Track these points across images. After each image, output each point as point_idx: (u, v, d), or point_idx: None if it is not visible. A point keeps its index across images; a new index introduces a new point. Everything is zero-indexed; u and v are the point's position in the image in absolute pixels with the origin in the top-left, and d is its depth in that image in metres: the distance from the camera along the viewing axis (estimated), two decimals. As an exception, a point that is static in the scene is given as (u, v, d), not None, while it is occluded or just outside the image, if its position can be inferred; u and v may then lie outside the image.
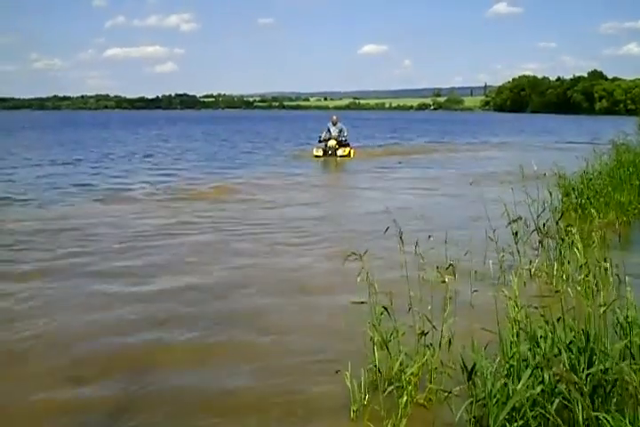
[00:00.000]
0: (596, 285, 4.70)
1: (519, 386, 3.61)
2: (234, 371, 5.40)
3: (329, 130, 28.10)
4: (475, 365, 3.90)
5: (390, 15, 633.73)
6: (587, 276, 5.45)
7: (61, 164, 25.58)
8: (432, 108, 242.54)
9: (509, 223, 5.55)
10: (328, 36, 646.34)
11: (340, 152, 27.40)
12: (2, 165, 24.48)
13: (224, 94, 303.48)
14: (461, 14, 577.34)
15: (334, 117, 28.50)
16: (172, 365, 5.53)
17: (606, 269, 7.06)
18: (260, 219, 12.57)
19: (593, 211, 10.02)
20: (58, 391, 4.94)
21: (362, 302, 4.84)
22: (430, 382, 4.58)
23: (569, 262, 7.02)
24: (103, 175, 21.28)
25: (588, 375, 3.69)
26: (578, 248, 6.88)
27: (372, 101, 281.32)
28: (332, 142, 27.67)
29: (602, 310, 4.11)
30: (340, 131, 28.08)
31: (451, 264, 5.81)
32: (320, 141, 28.29)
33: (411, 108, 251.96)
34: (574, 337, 4.05)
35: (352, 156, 27.93)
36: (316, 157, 27.32)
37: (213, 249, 9.93)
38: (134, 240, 10.45)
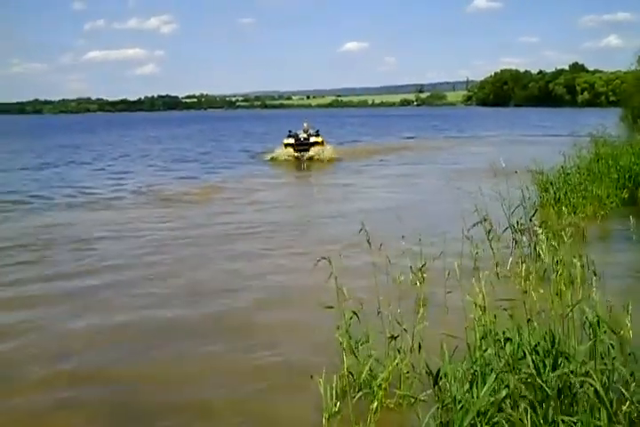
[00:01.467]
0: (571, 283, 4.68)
1: (483, 391, 3.57)
2: (204, 378, 5.36)
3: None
4: (439, 370, 3.86)
5: (371, 12, 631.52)
6: (560, 274, 5.43)
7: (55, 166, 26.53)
8: (415, 104, 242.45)
9: (474, 225, 5.50)
10: (309, 35, 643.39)
11: (312, 139, 27.02)
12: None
13: (206, 95, 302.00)
14: (442, 10, 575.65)
15: (305, 125, 28.24)
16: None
17: (582, 266, 7.08)
18: (237, 222, 12.52)
19: (566, 206, 10.11)
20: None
21: (331, 307, 4.79)
22: (400, 387, 4.53)
23: (542, 261, 6.98)
24: (95, 178, 21.34)
25: (554, 378, 3.65)
26: (553, 245, 6.87)
27: (356, 99, 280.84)
28: (302, 134, 27.43)
29: (568, 310, 4.07)
30: (308, 132, 27.72)
31: (423, 266, 5.80)
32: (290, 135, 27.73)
33: (394, 104, 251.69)
34: (543, 339, 4.00)
35: (324, 145, 27.46)
36: (287, 145, 26.95)
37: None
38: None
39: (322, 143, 27.28)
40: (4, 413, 4.85)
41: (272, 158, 26.90)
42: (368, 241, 4.82)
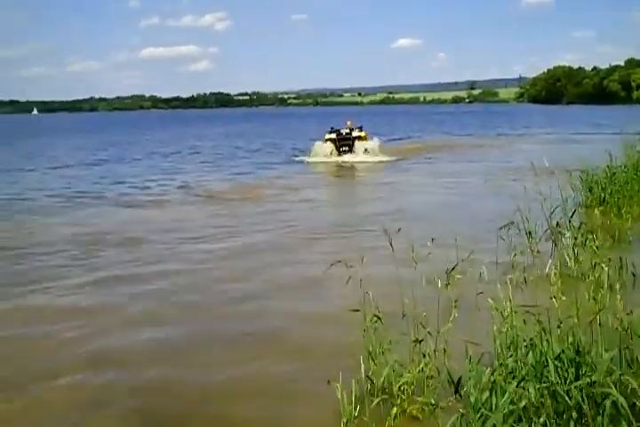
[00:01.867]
0: (609, 287, 4.55)
1: (503, 399, 3.47)
2: (223, 380, 5.32)
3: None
4: (460, 377, 3.76)
5: (424, 8, 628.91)
6: (597, 277, 5.28)
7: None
8: (467, 101, 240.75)
9: (505, 226, 5.34)
10: (362, 31, 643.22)
11: (355, 133, 26.15)
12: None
13: (258, 92, 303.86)
14: (496, 5, 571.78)
15: (348, 123, 26.86)
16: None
17: (620, 269, 6.91)
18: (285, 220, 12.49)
19: (611, 207, 9.88)
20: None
21: (356, 311, 4.72)
22: (424, 393, 4.42)
23: (579, 264, 6.82)
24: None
25: (576, 388, 3.53)
26: (591, 247, 6.70)
27: (407, 96, 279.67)
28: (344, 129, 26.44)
29: (594, 316, 3.94)
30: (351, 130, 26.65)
31: (453, 268, 5.68)
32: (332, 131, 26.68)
33: (445, 101, 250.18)
34: (568, 347, 3.87)
35: (367, 139, 26.61)
36: (328, 140, 26.13)
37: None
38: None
39: (364, 138, 26.46)
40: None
41: (309, 162, 25.74)
42: (391, 244, 4.72)
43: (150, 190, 17.95)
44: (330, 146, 26.01)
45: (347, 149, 25.94)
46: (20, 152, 35.29)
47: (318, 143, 26.52)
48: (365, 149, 25.73)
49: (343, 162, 25.19)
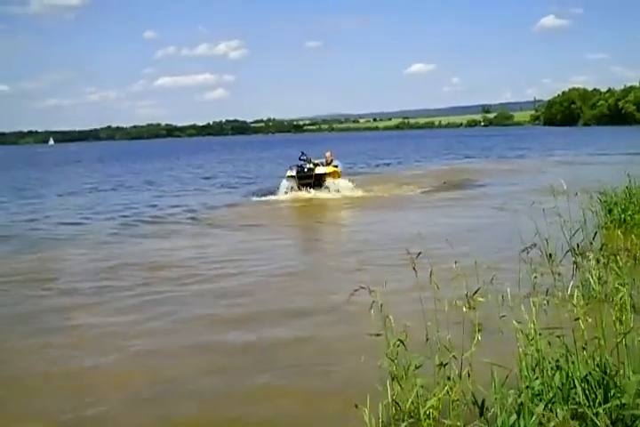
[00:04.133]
0: (632, 308, 4.51)
1: (531, 422, 3.44)
2: (248, 403, 5.32)
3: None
4: (484, 400, 3.73)
5: (437, 33, 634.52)
6: (620, 299, 5.24)
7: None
8: (482, 124, 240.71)
9: (526, 248, 5.31)
10: (376, 57, 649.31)
11: (321, 170, 21.82)
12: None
13: (274, 119, 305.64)
14: (509, 30, 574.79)
15: (328, 154, 22.77)
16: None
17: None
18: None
19: (632, 227, 9.82)
20: None
21: (378, 335, 4.71)
22: (449, 417, 4.39)
23: (602, 285, 6.76)
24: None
25: (604, 410, 3.49)
26: (613, 269, 6.65)
27: (422, 120, 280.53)
28: (316, 162, 22.29)
29: (621, 337, 3.91)
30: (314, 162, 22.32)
31: (476, 291, 5.67)
32: (302, 159, 22.32)
33: (460, 125, 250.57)
34: (595, 369, 3.84)
35: (337, 176, 22.34)
36: (289, 177, 22.08)
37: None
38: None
39: (333, 174, 22.15)
40: None
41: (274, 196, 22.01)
42: (414, 268, 4.71)
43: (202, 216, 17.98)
44: (290, 184, 22.17)
45: (308, 188, 21.79)
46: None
47: (282, 185, 22.32)
48: (338, 191, 21.81)
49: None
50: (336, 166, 22.30)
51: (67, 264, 11.73)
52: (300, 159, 22.04)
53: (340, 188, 21.90)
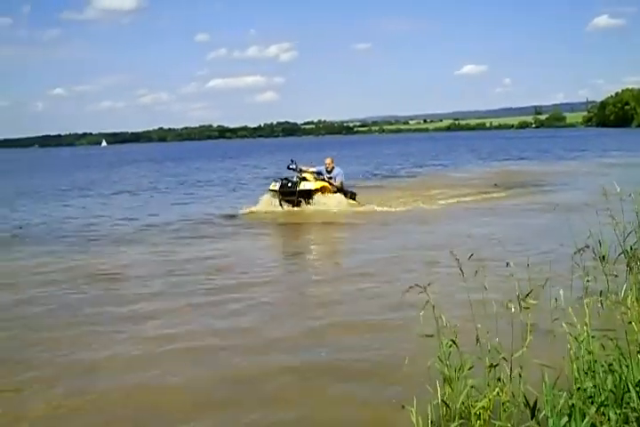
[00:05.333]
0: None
1: (582, 424, 3.41)
2: (297, 403, 5.35)
3: (320, 174, 19.36)
4: (536, 401, 3.70)
5: (489, 34, 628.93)
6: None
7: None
8: (534, 126, 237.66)
9: (580, 250, 5.25)
10: (426, 58, 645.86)
11: (307, 185, 18.37)
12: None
13: (324, 120, 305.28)
14: (562, 30, 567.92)
15: (328, 160, 19.63)
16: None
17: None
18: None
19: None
20: None
21: (430, 336, 4.70)
22: (500, 418, 4.37)
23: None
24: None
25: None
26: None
27: (473, 122, 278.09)
28: (306, 174, 18.86)
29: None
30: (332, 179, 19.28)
31: (529, 293, 5.62)
32: (290, 168, 19.08)
33: (512, 126, 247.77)
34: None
35: (327, 191, 18.80)
36: (271, 191, 18.85)
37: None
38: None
39: (323, 190, 18.65)
40: None
41: (251, 212, 18.58)
42: (460, 269, 4.70)
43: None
44: (273, 200, 18.89)
45: (290, 206, 18.60)
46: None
47: (263, 198, 19.18)
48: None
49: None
50: (331, 178, 19.01)
51: (131, 262, 11.97)
52: (288, 168, 18.92)
53: (328, 205, 18.42)
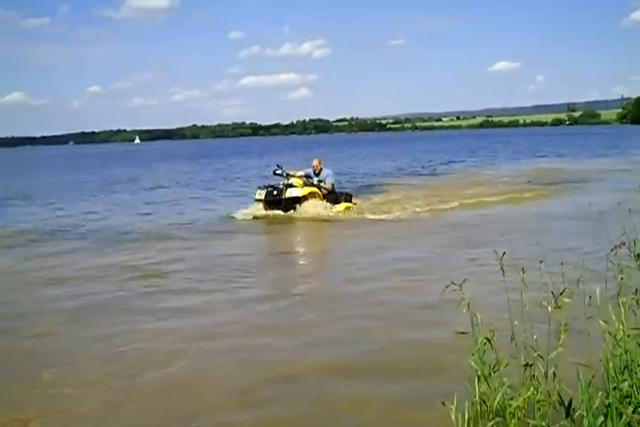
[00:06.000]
0: None
1: (619, 424, 3.40)
2: (337, 400, 5.37)
3: (308, 177, 18.14)
4: (571, 400, 3.69)
5: (522, 31, 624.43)
6: None
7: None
8: (567, 123, 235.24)
9: (615, 248, 5.22)
10: (459, 55, 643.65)
11: (294, 192, 17.14)
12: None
13: (357, 118, 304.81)
14: (597, 25, 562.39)
15: (315, 162, 18.38)
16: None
17: None
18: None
19: None
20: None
21: (464, 333, 4.71)
22: (535, 417, 4.36)
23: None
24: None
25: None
26: None
27: (506, 119, 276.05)
28: (293, 179, 17.62)
29: None
30: (321, 182, 18.05)
31: (563, 291, 5.60)
32: (277, 174, 17.89)
33: (545, 123, 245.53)
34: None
35: (315, 197, 17.55)
36: (258, 201, 17.60)
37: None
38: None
39: (312, 196, 17.44)
40: None
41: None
42: (502, 268, 4.69)
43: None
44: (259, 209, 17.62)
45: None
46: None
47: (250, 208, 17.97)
48: (319, 215, 17.21)
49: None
50: (320, 182, 17.88)
51: (171, 258, 12.14)
52: (274, 174, 17.87)
53: (310, 213, 17.10)
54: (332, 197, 17.81)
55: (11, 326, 8.03)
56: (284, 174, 17.60)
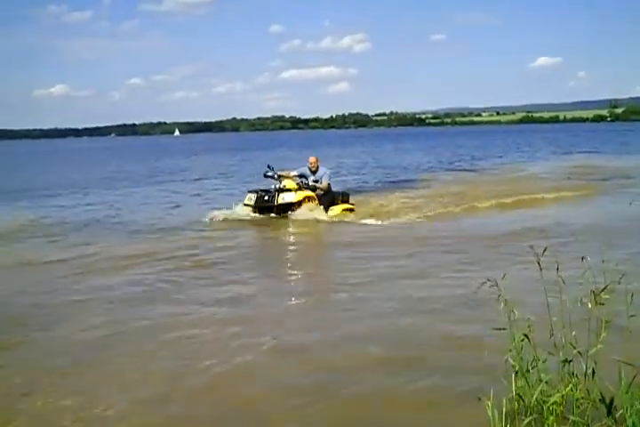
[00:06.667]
0: None
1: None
2: (374, 392, 5.37)
3: (303, 177, 16.58)
4: (613, 399, 3.63)
5: (564, 26, 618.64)
6: None
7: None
8: (609, 119, 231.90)
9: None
10: (500, 51, 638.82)
11: (287, 197, 15.64)
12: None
13: (396, 112, 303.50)
14: (636, 22, 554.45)
15: (312, 159, 16.74)
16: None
17: None
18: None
19: None
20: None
21: (502, 329, 4.66)
22: (573, 413, 4.31)
23: None
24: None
25: None
26: None
27: (546, 115, 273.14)
28: (287, 182, 16.00)
29: None
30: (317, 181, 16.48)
31: (605, 287, 5.53)
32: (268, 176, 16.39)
33: (586, 119, 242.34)
34: None
35: (309, 200, 15.95)
36: (246, 205, 16.03)
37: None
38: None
39: (306, 200, 15.91)
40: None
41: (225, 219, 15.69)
42: (538, 262, 4.64)
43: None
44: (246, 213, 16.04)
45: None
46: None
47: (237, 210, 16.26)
48: (317, 220, 15.56)
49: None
50: (316, 181, 16.42)
51: (214, 247, 12.24)
52: (265, 176, 16.39)
53: (297, 215, 15.58)
54: (328, 197, 16.48)
55: (62, 313, 8.08)
56: (276, 176, 16.16)
